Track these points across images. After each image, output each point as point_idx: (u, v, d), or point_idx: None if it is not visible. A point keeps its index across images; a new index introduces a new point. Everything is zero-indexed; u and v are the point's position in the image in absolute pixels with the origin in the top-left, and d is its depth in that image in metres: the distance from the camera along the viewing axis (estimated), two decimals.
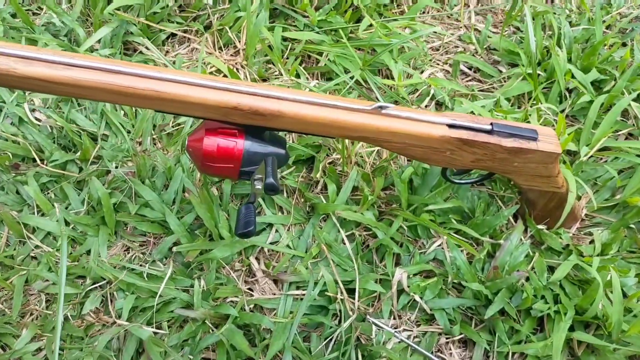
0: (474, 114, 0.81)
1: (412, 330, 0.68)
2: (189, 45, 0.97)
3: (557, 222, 0.72)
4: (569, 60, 0.92)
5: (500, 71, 0.96)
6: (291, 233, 0.74)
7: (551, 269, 0.70)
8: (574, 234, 0.75)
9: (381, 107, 0.55)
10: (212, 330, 0.66)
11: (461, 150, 0.59)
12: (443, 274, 0.70)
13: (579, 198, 0.75)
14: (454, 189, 0.75)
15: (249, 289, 0.71)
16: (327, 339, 0.67)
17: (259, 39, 0.90)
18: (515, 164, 0.61)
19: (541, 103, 0.86)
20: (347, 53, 0.90)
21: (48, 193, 0.78)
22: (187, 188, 0.75)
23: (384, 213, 0.75)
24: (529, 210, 0.73)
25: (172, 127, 0.84)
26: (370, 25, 0.94)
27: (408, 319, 0.69)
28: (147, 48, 0.93)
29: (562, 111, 0.87)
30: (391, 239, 0.72)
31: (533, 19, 0.94)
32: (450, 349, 0.68)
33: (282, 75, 0.90)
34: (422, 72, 0.94)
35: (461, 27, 1.04)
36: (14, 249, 0.73)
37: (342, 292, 0.68)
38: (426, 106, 0.89)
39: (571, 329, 0.65)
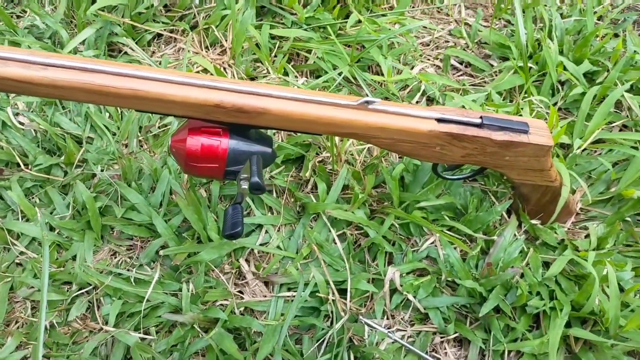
0: (464, 107, 0.80)
1: (405, 330, 0.67)
2: (175, 46, 0.96)
3: (551, 216, 0.70)
4: (561, 52, 0.91)
5: (492, 65, 0.95)
6: (281, 234, 0.73)
7: (546, 265, 0.69)
8: (568, 229, 0.74)
9: (367, 102, 0.54)
10: (201, 335, 0.65)
11: (451, 145, 0.58)
12: (436, 272, 0.69)
13: (573, 192, 0.74)
14: (446, 185, 0.74)
15: (239, 291, 0.70)
16: (319, 341, 0.65)
17: (246, 37, 0.88)
18: (507, 158, 0.60)
19: (533, 96, 0.85)
20: (336, 50, 0.89)
21: (32, 198, 0.76)
22: (174, 190, 0.74)
23: (375, 211, 0.74)
24: (522, 205, 0.72)
25: (159, 128, 0.83)
26: (359, 21, 0.93)
27: (401, 318, 0.68)
28: (132, 49, 0.92)
29: (555, 104, 0.86)
30: (383, 237, 0.71)
31: (523, 12, 0.93)
32: (445, 349, 0.67)
33: (270, 73, 0.89)
34: (412, 67, 0.92)
35: (451, 22, 1.03)
36: None
37: (333, 293, 0.67)
38: (417, 102, 0.87)
39: (568, 325, 0.64)
